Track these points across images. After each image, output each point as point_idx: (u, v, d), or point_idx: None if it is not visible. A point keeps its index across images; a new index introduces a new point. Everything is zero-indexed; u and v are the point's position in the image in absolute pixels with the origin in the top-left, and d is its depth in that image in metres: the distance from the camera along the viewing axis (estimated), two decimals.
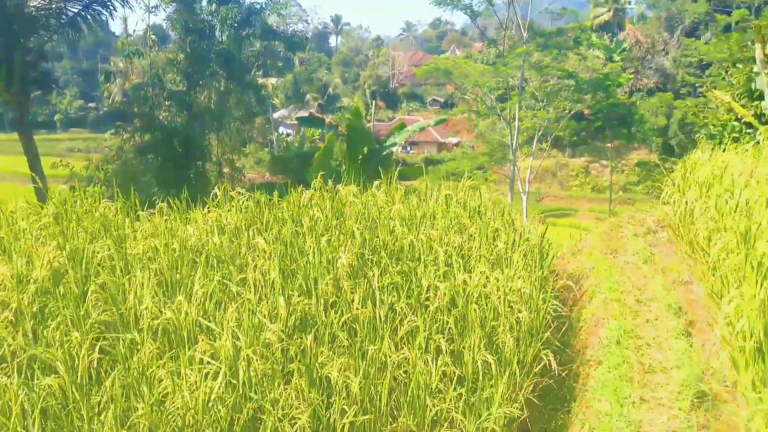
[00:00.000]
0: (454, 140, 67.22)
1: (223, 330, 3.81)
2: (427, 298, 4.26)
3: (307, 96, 75.12)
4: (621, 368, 3.86)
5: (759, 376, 3.29)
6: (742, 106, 12.49)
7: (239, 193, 6.03)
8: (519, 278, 4.47)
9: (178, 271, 4.48)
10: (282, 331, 3.88)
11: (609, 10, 70.67)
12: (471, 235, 5.43)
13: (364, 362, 3.69)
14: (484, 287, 4.31)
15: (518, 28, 30.30)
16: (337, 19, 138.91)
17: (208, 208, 5.90)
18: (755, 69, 12.30)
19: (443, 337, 3.94)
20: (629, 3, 72.93)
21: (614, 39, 64.93)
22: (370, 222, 5.43)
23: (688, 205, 5.26)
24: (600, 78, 31.15)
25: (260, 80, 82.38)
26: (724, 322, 3.57)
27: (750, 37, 14.28)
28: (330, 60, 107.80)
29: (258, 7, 27.25)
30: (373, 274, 4.34)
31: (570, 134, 51.31)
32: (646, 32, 66.32)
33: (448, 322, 4.04)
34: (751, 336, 3.36)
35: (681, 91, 55.25)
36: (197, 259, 4.67)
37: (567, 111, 33.89)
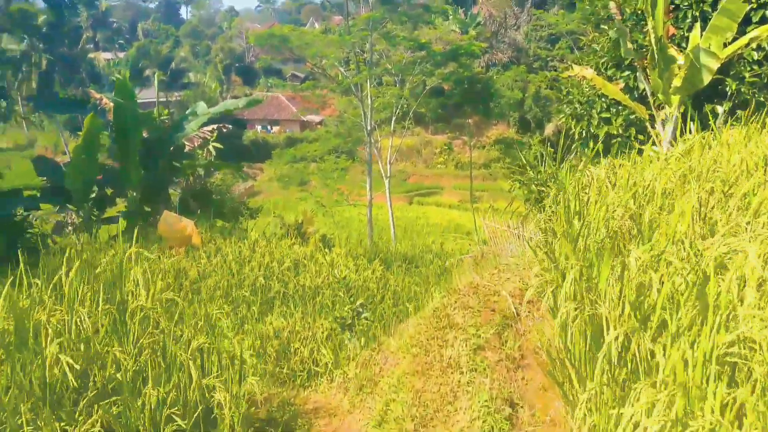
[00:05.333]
0: (317, 118, 63.64)
1: None
2: None
3: (147, 71, 66.88)
4: None
5: None
6: (609, 77, 10.10)
7: None
8: None
9: None
10: None
11: None
12: None
13: None
14: None
15: None
16: None
17: None
18: (611, 34, 9.89)
19: None
20: None
21: (468, 13, 64.78)
22: None
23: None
24: (453, 48, 28.96)
25: (91, 55, 72.57)
26: None
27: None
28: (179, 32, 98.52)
29: None
30: None
31: (431, 111, 49.88)
32: (498, 6, 67.04)
33: None
34: None
35: (534, 65, 56.15)
36: None
37: (422, 86, 31.57)
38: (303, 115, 56.73)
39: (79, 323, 2.98)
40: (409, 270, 13.10)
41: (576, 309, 2.36)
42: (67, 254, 3.66)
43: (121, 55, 76.43)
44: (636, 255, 2.34)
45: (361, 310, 5.93)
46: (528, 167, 12.02)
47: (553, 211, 3.25)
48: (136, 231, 5.34)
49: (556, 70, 52.26)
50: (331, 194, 27.61)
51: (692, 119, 8.45)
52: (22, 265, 3.51)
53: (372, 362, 3.75)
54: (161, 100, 67.15)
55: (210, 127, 12.80)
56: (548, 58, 53.95)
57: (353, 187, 42.40)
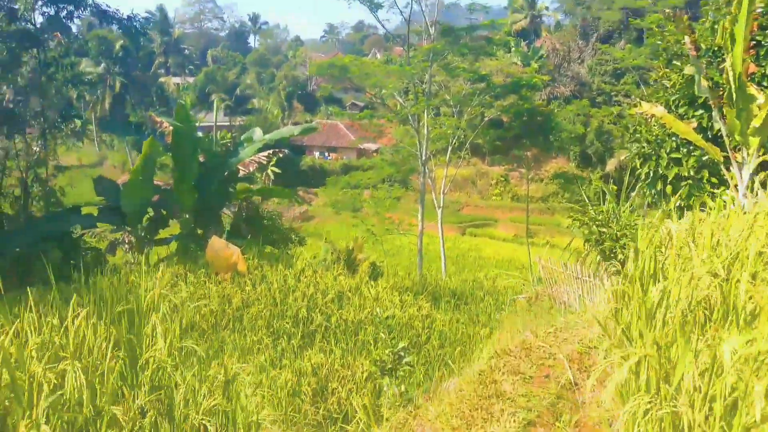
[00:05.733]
0: (373, 146, 64.21)
1: None
2: None
3: (213, 96, 69.44)
4: None
5: None
6: (681, 116, 9.49)
7: None
8: None
9: None
10: None
11: (526, 17, 70.06)
12: None
13: None
14: None
15: (431, 26, 27.29)
16: (255, 18, 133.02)
17: None
18: (686, 70, 9.31)
19: None
20: (546, 9, 72.81)
21: (531, 46, 64.33)
22: None
23: None
24: (514, 81, 28.56)
25: (162, 79, 76.01)
26: None
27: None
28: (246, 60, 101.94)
29: None
30: None
31: (488, 142, 49.29)
32: (562, 40, 66.45)
33: None
34: None
35: (597, 100, 54.85)
36: None
37: (481, 118, 31.22)
38: (360, 143, 57.36)
39: (74, 379, 2.78)
40: (458, 306, 12.64)
41: (650, 402, 1.96)
42: (74, 300, 3.42)
43: (191, 80, 79.84)
44: (732, 347, 1.89)
45: (402, 354, 5.58)
46: (589, 205, 11.44)
47: (625, 275, 2.81)
48: (161, 266, 5.19)
49: (620, 105, 50.94)
50: (382, 222, 27.44)
51: None
52: (31, 298, 3.35)
53: (407, 429, 3.37)
54: (224, 124, 69.52)
55: (266, 153, 12.89)
56: (612, 93, 52.82)
57: (405, 215, 42.08)
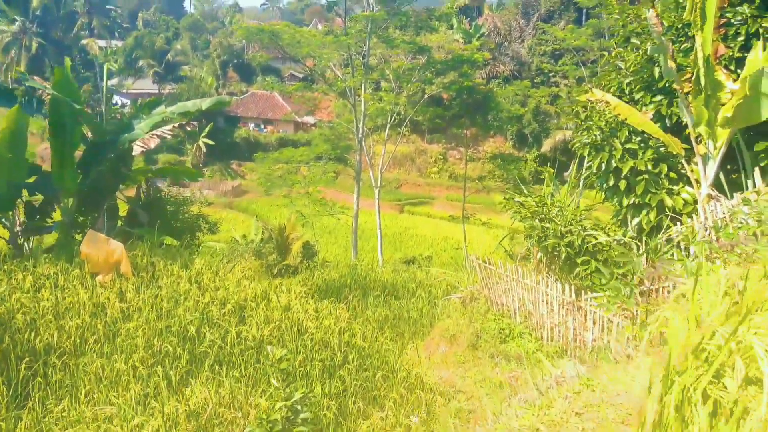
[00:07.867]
0: (311, 120, 62.06)
1: None
2: None
3: (141, 62, 64.88)
4: None
5: None
6: (635, 101, 8.47)
7: None
8: None
9: None
10: None
11: None
12: None
13: None
14: None
15: None
16: None
17: None
18: (649, 50, 8.27)
19: None
20: None
21: (473, 24, 63.67)
22: None
23: None
24: (455, 57, 27.38)
25: (84, 41, 70.43)
26: None
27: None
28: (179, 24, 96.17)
29: None
30: None
31: (428, 119, 48.33)
32: (503, 18, 66.19)
33: None
34: None
35: (535, 80, 54.83)
36: None
37: (421, 94, 29.98)
38: (299, 117, 55.15)
39: None
40: (388, 302, 11.45)
41: None
42: None
43: (118, 43, 74.32)
44: None
45: (299, 407, 4.27)
46: (527, 194, 10.37)
47: None
48: (28, 263, 3.66)
49: (557, 86, 50.97)
50: (314, 204, 25.84)
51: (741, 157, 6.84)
52: None
53: None
54: (153, 91, 65.24)
55: (169, 127, 11.07)
56: (551, 73, 52.79)
57: (341, 192, 40.48)
